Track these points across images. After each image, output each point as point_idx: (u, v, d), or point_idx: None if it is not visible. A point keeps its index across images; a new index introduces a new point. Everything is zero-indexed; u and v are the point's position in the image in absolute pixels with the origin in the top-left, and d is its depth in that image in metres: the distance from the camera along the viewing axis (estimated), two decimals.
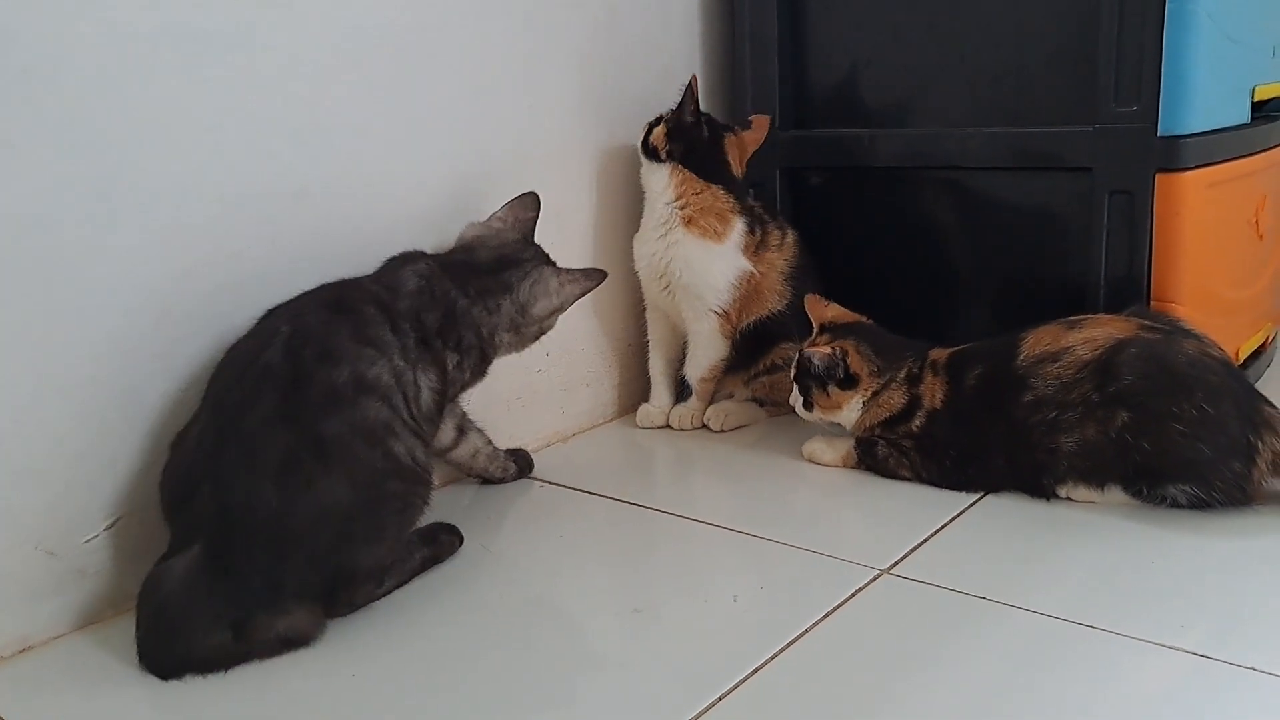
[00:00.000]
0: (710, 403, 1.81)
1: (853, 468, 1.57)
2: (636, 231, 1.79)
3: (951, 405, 1.46)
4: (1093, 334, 1.37)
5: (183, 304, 1.28)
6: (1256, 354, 1.82)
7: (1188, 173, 1.51)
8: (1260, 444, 1.31)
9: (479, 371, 1.42)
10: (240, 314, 1.33)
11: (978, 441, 1.44)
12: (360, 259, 1.46)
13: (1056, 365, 1.37)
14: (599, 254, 1.79)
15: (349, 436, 1.16)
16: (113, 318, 1.22)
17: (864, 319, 1.60)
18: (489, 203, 1.62)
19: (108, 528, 1.25)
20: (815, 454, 1.61)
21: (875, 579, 1.24)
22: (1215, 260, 1.62)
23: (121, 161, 1.21)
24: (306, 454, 1.13)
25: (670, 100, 1.75)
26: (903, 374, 1.51)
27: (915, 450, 1.49)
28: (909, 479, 1.50)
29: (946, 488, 1.46)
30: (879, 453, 1.52)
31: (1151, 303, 1.54)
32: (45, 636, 1.20)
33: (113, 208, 1.21)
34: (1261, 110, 1.71)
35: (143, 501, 1.26)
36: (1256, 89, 1.67)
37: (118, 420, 1.24)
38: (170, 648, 1.10)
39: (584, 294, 1.49)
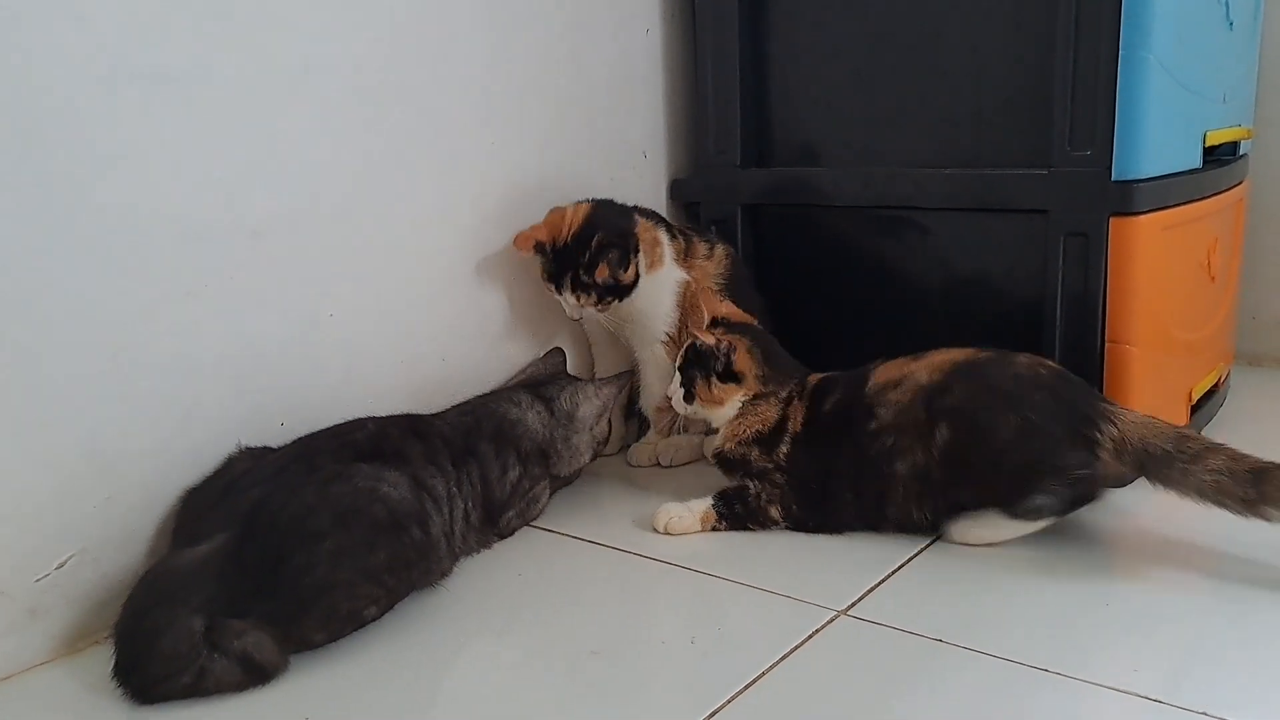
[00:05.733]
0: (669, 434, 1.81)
1: (714, 528, 1.49)
2: None
3: (808, 431, 1.48)
4: (931, 360, 1.44)
5: (139, 342, 1.27)
6: (1210, 394, 1.84)
7: (1141, 216, 1.53)
8: (1099, 435, 1.35)
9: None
10: (198, 352, 1.32)
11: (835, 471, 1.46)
12: (317, 300, 1.46)
13: (896, 391, 1.43)
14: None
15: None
16: (67, 356, 1.21)
17: (754, 322, 1.61)
18: (449, 242, 1.63)
19: (59, 566, 1.23)
20: (673, 523, 1.49)
21: (833, 620, 1.24)
22: (1169, 302, 1.64)
23: (77, 199, 1.21)
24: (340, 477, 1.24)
25: (635, 141, 1.73)
26: (785, 393, 1.52)
27: (785, 484, 1.48)
28: (779, 521, 1.47)
29: (814, 529, 1.47)
30: (749, 497, 1.48)
31: (1106, 344, 1.56)
32: None
33: (68, 245, 1.20)
34: (1213, 155, 1.74)
35: (96, 540, 1.25)
36: (1208, 134, 1.70)
37: (71, 459, 1.23)
38: (150, 613, 1.11)
39: (619, 393, 1.65)
